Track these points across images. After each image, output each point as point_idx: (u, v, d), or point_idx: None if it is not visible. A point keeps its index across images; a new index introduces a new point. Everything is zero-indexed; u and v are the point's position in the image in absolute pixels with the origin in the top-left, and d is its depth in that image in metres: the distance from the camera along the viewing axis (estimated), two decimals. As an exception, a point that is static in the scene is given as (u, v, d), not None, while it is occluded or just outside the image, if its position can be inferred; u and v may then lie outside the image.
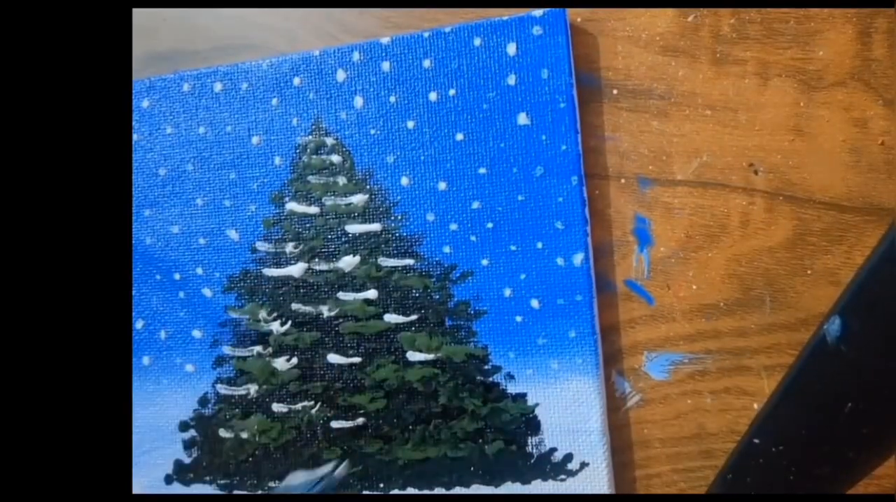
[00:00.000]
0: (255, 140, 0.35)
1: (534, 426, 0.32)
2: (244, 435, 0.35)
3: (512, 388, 0.32)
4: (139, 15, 0.37)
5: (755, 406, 0.29)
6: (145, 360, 0.36)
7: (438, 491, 0.32)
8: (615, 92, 0.31)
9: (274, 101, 0.35)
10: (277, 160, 0.35)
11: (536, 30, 0.31)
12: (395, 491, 0.33)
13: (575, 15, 0.32)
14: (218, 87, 0.35)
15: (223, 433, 0.35)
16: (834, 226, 0.29)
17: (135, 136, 0.36)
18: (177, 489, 0.36)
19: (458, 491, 0.32)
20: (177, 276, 0.36)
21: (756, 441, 0.27)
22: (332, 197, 0.34)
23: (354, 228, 0.33)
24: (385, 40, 0.33)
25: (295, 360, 0.34)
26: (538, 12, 0.31)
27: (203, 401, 0.35)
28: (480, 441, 0.32)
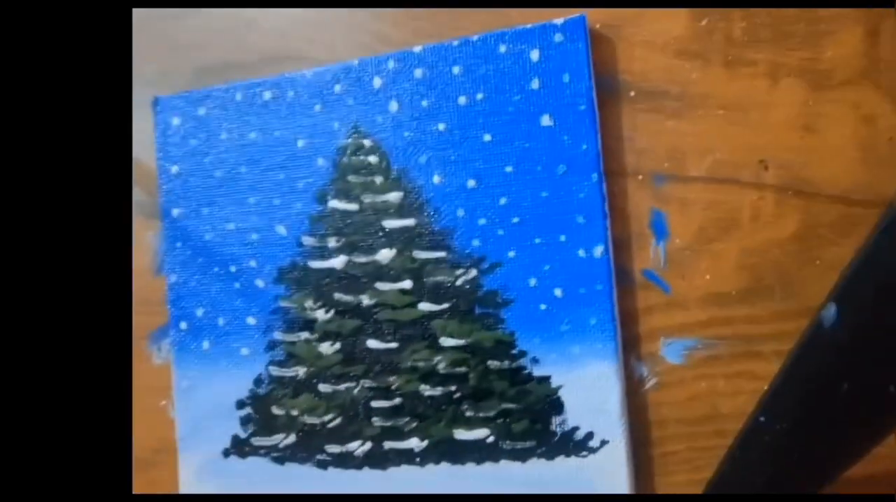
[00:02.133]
0: (300, 143, 0.38)
1: (557, 406, 0.34)
2: (294, 413, 0.38)
3: (537, 371, 0.34)
4: (190, 31, 0.41)
5: (765, 389, 0.31)
6: (205, 345, 0.40)
7: (469, 465, 0.35)
8: (632, 94, 0.33)
9: (317, 108, 0.38)
10: (321, 161, 0.38)
11: (558, 37, 0.33)
12: (430, 465, 0.36)
13: (594, 21, 0.34)
14: (267, 95, 0.38)
15: (275, 410, 0.38)
16: (842, 219, 0.30)
17: (193, 142, 0.40)
18: (233, 461, 0.39)
19: (487, 466, 0.35)
20: (233, 269, 0.39)
21: (762, 419, 0.28)
22: (370, 194, 0.37)
23: (391, 223, 0.36)
24: (417, 49, 0.36)
25: (338, 345, 0.37)
26: (559, 20, 0.33)
27: (257, 382, 0.39)
28: (508, 420, 0.35)
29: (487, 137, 0.35)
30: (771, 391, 0.28)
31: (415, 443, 0.36)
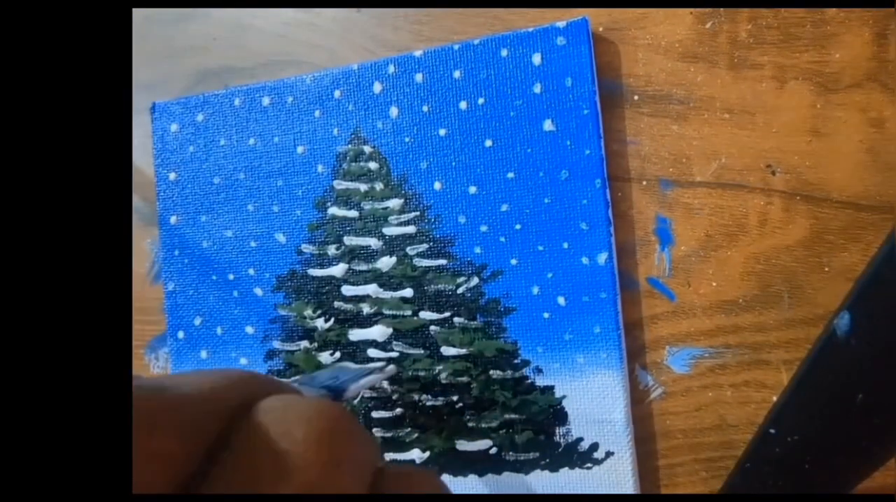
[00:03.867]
0: (299, 149, 0.37)
1: (561, 417, 0.33)
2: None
3: (540, 381, 0.34)
4: (188, 35, 0.40)
5: (774, 398, 0.30)
6: (203, 354, 0.39)
7: (471, 477, 0.34)
8: (636, 98, 0.33)
9: (317, 113, 0.37)
10: (320, 168, 0.37)
11: (560, 40, 0.33)
12: (432, 477, 0.35)
13: (597, 24, 0.33)
14: (266, 101, 0.38)
15: (273, 421, 0.38)
16: (851, 225, 0.30)
17: (191, 148, 0.39)
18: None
19: (489, 477, 0.34)
20: (231, 277, 0.39)
21: (772, 431, 0.28)
22: (371, 201, 0.36)
23: (391, 231, 0.36)
24: (418, 53, 0.35)
25: (338, 354, 0.37)
26: (561, 24, 0.33)
27: (255, 392, 0.38)
28: (511, 431, 0.34)
29: (489, 143, 0.34)
30: (781, 402, 0.28)
31: (416, 454, 0.35)
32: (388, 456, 0.36)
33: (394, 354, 0.36)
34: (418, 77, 0.35)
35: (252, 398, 0.15)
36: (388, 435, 0.36)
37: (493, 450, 0.34)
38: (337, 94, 0.37)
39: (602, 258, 0.33)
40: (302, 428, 0.14)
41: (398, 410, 0.36)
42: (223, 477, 0.13)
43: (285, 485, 0.13)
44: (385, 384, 0.35)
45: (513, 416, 0.34)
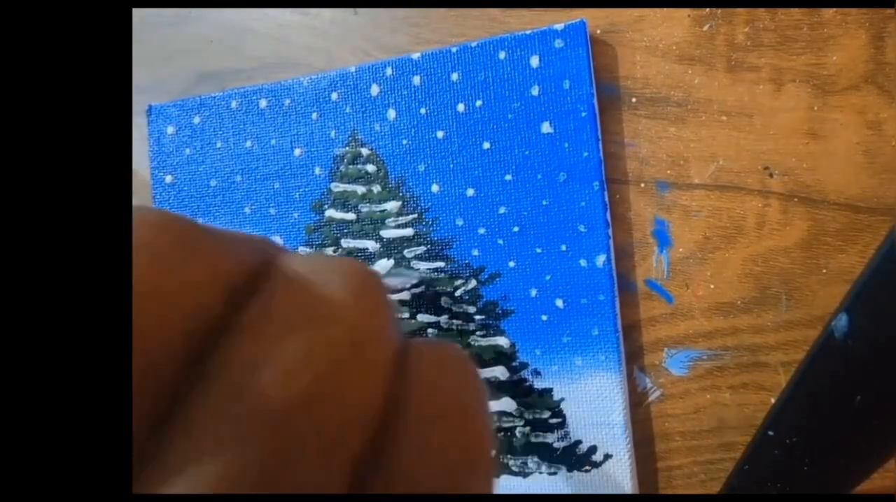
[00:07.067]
0: (297, 152, 0.37)
1: (559, 419, 0.33)
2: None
3: (538, 384, 0.34)
4: (185, 38, 0.40)
5: (772, 400, 0.30)
6: (199, 357, 0.39)
7: (470, 480, 0.34)
8: (634, 100, 0.33)
9: (314, 116, 0.37)
10: (317, 170, 0.37)
11: (558, 43, 0.33)
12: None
13: (594, 27, 0.33)
14: (263, 103, 0.38)
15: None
16: (848, 226, 0.30)
17: (187, 151, 0.39)
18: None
19: (488, 480, 0.34)
20: (227, 280, 0.38)
21: (770, 433, 0.28)
22: (368, 204, 0.36)
23: (388, 233, 0.36)
24: (415, 56, 0.35)
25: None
26: (559, 26, 0.33)
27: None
28: (509, 434, 0.34)
29: (487, 145, 0.34)
30: (779, 403, 0.28)
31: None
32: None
33: None
34: (416, 79, 0.35)
35: (269, 256, 0.14)
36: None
37: (491, 454, 0.34)
38: (334, 96, 0.37)
39: (600, 260, 0.32)
40: (339, 277, 0.13)
41: (396, 413, 0.35)
42: (256, 324, 0.12)
43: (335, 328, 0.12)
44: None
45: (511, 419, 0.34)
